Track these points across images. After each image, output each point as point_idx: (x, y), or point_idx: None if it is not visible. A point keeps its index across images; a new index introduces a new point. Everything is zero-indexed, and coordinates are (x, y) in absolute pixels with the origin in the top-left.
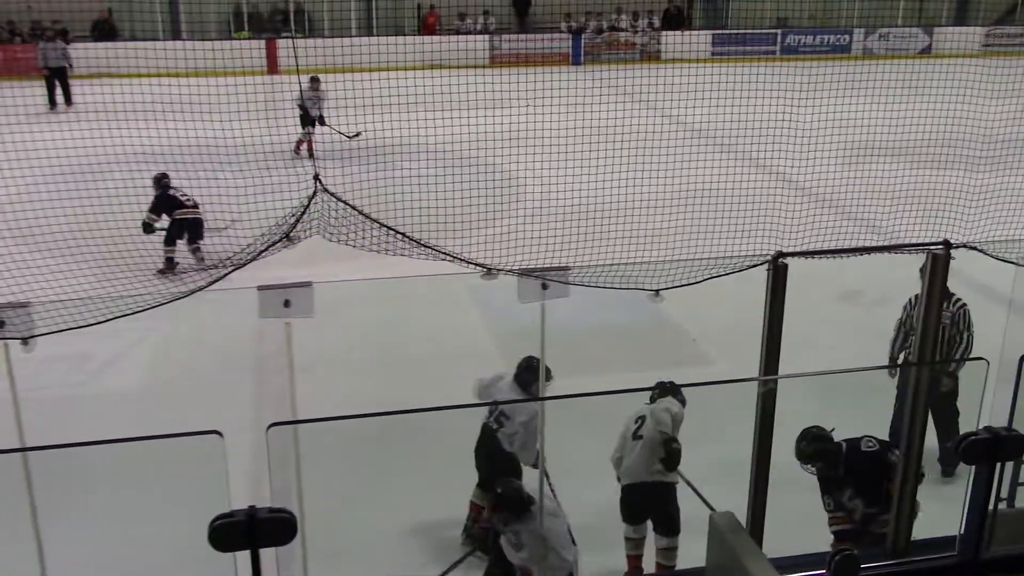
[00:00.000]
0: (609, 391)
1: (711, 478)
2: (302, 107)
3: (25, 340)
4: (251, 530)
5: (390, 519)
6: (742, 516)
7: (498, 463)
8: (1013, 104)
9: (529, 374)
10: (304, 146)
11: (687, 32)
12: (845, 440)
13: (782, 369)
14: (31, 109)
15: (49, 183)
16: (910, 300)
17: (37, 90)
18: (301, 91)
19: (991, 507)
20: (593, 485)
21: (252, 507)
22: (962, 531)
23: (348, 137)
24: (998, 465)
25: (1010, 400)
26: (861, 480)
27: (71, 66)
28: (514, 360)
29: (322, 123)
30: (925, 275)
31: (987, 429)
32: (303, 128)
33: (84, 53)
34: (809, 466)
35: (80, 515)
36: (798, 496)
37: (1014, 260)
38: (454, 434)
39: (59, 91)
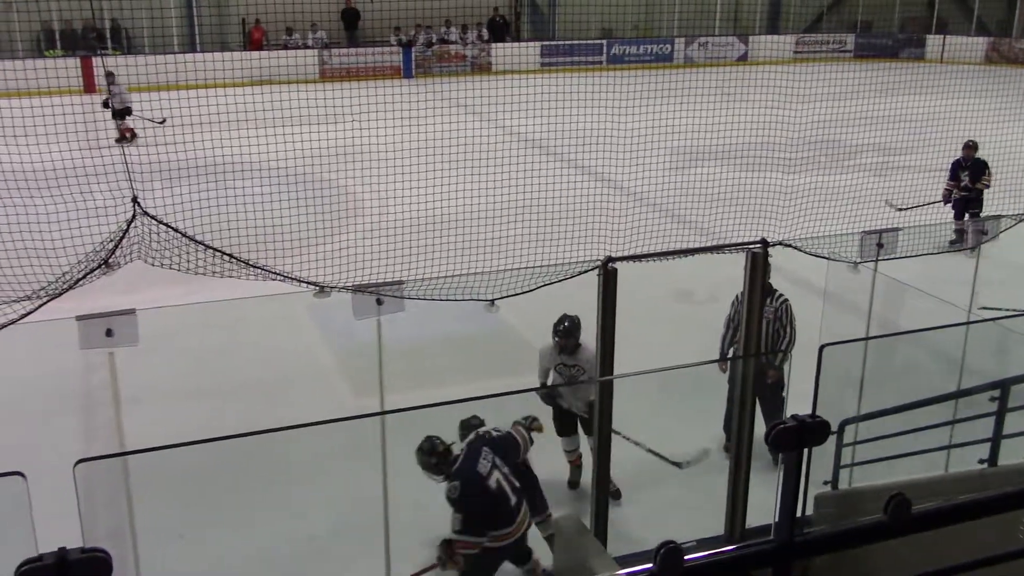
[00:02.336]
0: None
1: (554, 481)
2: (105, 103)
3: None
4: (62, 573)
5: (230, 550)
6: (586, 517)
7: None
8: (822, 108)
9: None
10: (128, 133)
11: (516, 44)
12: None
13: (620, 369)
14: None
15: None
16: (737, 297)
17: None
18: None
19: (802, 492)
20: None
21: (63, 549)
22: (776, 518)
23: (156, 123)
24: (806, 451)
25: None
26: None
27: None
28: (355, 378)
29: (129, 113)
30: (746, 272)
31: (793, 417)
32: (116, 120)
33: None
34: None
35: None
36: (639, 494)
37: (826, 255)
38: (299, 456)
39: None
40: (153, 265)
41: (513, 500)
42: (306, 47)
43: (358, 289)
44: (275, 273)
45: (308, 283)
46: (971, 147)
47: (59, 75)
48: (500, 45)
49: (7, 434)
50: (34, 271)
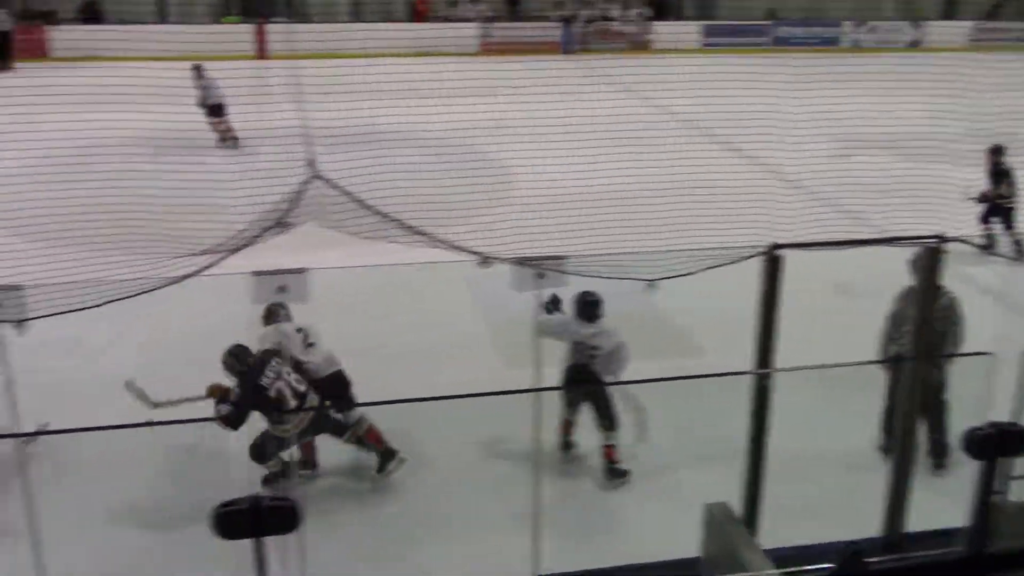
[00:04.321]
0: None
1: (706, 467)
2: (202, 102)
3: (18, 324)
4: (256, 518)
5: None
6: (737, 506)
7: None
8: (999, 100)
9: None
10: (224, 135)
11: (679, 22)
12: None
13: (779, 361)
14: None
15: (37, 167)
16: (900, 293)
17: None
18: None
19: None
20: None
21: (256, 495)
22: (968, 524)
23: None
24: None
25: (1008, 394)
26: None
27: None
28: (506, 349)
29: (223, 110)
30: (917, 268)
31: (992, 424)
32: (212, 119)
33: (70, 35)
34: None
35: (77, 502)
36: (794, 487)
37: (1013, 256)
38: (457, 424)
39: None
40: (324, 227)
41: None
42: (468, 20)
43: (520, 262)
44: (441, 241)
45: (473, 253)
46: (995, 152)
47: (233, 41)
48: (661, 23)
49: (189, 382)
50: (211, 228)
